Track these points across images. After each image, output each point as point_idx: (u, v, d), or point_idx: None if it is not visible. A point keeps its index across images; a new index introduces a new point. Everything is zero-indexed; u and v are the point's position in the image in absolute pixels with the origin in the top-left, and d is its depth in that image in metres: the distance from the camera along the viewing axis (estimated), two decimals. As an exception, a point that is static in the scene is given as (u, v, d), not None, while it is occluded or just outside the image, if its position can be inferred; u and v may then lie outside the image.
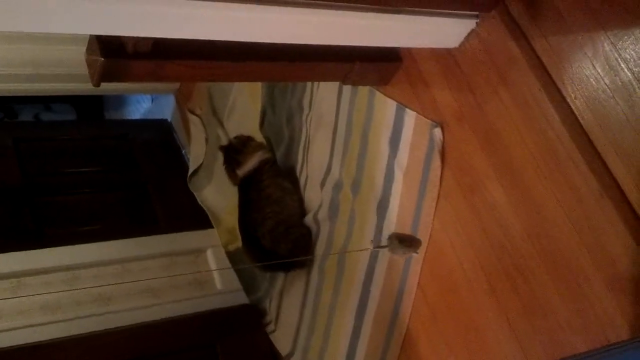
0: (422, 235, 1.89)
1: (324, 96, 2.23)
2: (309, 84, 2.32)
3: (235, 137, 2.60)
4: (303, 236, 2.35)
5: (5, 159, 2.91)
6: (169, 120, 3.50)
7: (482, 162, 1.71)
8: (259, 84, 2.63)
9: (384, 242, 1.99)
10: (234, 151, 2.50)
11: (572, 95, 1.49)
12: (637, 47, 1.37)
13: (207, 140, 3.03)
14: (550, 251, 1.56)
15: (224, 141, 2.76)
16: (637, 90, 1.37)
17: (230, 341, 2.56)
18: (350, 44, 1.65)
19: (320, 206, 2.30)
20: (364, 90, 2.04)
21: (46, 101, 4.26)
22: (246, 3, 1.28)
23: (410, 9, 1.53)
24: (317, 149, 2.31)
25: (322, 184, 2.28)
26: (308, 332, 2.37)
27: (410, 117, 1.89)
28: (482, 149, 1.71)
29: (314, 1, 1.36)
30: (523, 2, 1.57)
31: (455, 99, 1.77)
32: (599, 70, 1.44)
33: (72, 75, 2.87)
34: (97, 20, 1.18)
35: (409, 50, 1.92)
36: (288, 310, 2.49)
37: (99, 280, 2.50)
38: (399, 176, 1.94)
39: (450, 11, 1.62)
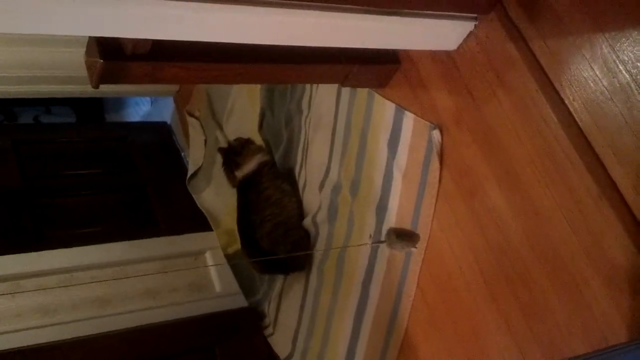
0: (421, 237, 1.88)
1: (323, 98, 2.23)
2: (307, 86, 2.32)
3: (235, 140, 2.60)
4: (302, 238, 2.35)
5: (4, 161, 2.92)
6: (168, 122, 3.51)
7: (481, 164, 1.71)
8: (257, 86, 2.63)
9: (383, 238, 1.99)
10: (233, 153, 2.50)
11: (570, 97, 1.49)
12: (635, 49, 1.37)
13: (206, 142, 3.03)
14: (549, 253, 1.55)
15: (223, 143, 2.77)
16: (635, 92, 1.37)
17: (229, 344, 2.56)
18: (349, 46, 1.65)
19: (319, 208, 2.29)
20: (362, 92, 2.04)
21: (46, 104, 4.26)
22: (245, 5, 1.29)
23: (408, 11, 1.53)
24: (316, 151, 2.31)
25: (321, 186, 2.28)
26: (307, 335, 2.36)
27: (409, 119, 1.89)
28: (480, 151, 1.71)
29: (312, 3, 1.36)
30: (521, 4, 1.57)
31: (454, 101, 1.77)
32: (597, 72, 1.44)
33: (71, 77, 2.88)
34: (96, 22, 1.18)
35: (407, 52, 1.92)
36: (287, 313, 2.49)
37: (98, 282, 2.50)
38: (397, 178, 1.94)
39: (449, 13, 1.62)
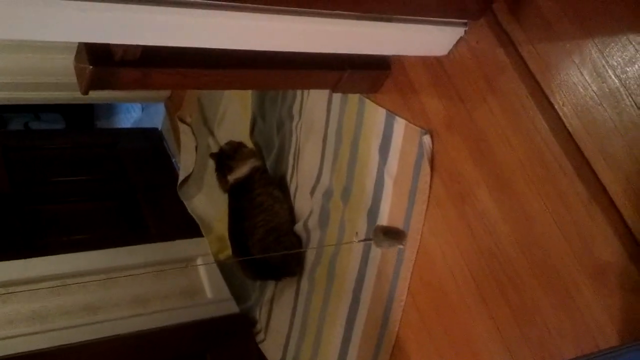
0: (412, 242, 1.89)
1: (314, 104, 2.23)
2: (299, 92, 2.32)
3: (227, 143, 2.60)
4: (293, 245, 2.34)
5: (-6, 167, 2.90)
6: (159, 128, 3.50)
7: (471, 169, 1.71)
8: (249, 92, 2.63)
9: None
10: (226, 157, 2.50)
11: (560, 102, 1.50)
12: (624, 54, 1.38)
13: (197, 148, 3.03)
14: (540, 258, 1.56)
15: (215, 149, 2.76)
16: (625, 97, 1.38)
17: (221, 350, 2.55)
18: (340, 52, 1.66)
19: (310, 214, 2.29)
20: (354, 98, 2.04)
21: (36, 110, 4.25)
22: (235, 11, 1.29)
23: (399, 17, 1.53)
24: (307, 157, 2.31)
25: (312, 192, 2.28)
26: (298, 341, 2.36)
27: (400, 125, 1.89)
28: (471, 156, 1.71)
29: (303, 9, 1.36)
30: (511, 10, 1.58)
31: (445, 106, 1.78)
32: (587, 77, 1.45)
33: (61, 83, 2.87)
34: (85, 28, 1.18)
35: (398, 58, 1.92)
36: (278, 319, 2.48)
37: (89, 289, 2.49)
38: (388, 183, 1.94)
39: (439, 19, 1.62)
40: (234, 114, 2.78)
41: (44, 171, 3.03)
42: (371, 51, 1.74)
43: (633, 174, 1.38)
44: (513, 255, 1.62)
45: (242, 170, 2.45)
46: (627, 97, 1.38)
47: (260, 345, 2.57)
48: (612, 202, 1.42)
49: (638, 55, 1.36)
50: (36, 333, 2.34)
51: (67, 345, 2.33)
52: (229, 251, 2.58)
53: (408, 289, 1.91)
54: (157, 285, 2.66)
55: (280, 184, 2.46)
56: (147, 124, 3.65)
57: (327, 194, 2.20)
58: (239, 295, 2.71)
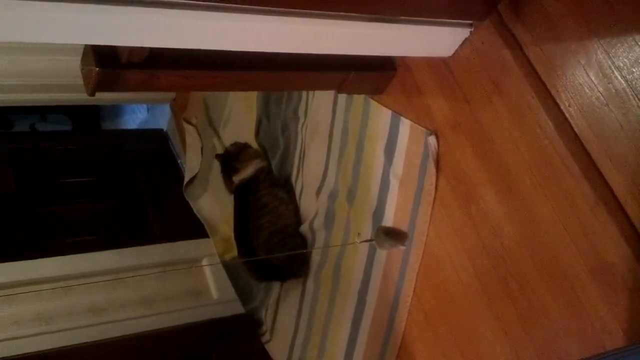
0: (418, 243, 1.88)
1: (319, 105, 2.23)
2: (304, 93, 2.32)
3: (232, 144, 2.60)
4: (298, 246, 2.34)
5: (0, 169, 2.91)
6: (165, 130, 3.50)
7: (477, 170, 1.71)
8: (254, 94, 2.63)
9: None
10: (231, 158, 2.50)
11: (566, 103, 1.50)
12: (631, 54, 1.37)
13: (202, 149, 3.03)
14: (546, 259, 1.56)
15: (220, 150, 2.76)
16: (631, 97, 1.38)
17: (226, 351, 2.55)
18: (345, 53, 1.66)
19: (315, 215, 2.29)
20: (359, 99, 2.04)
21: (42, 111, 4.25)
22: (240, 13, 1.29)
23: (404, 18, 1.53)
24: (313, 158, 2.31)
25: (318, 193, 2.28)
26: (304, 342, 2.36)
27: (405, 126, 1.89)
28: (476, 157, 1.71)
29: (309, 11, 1.36)
30: (516, 10, 1.58)
31: (450, 107, 1.78)
32: (593, 78, 1.44)
33: (67, 85, 2.87)
34: (92, 30, 1.18)
35: (403, 59, 1.92)
36: (284, 320, 2.49)
37: (94, 289, 2.49)
38: (394, 184, 1.94)
39: (444, 20, 1.62)
40: (239, 115, 2.78)
41: (49, 172, 3.04)
42: (376, 52, 1.74)
43: (639, 174, 1.37)
44: (519, 255, 1.62)
45: (247, 171, 2.46)
46: (634, 98, 1.37)
47: (266, 346, 2.57)
48: (618, 203, 1.41)
49: (644, 56, 1.36)
50: (42, 334, 2.35)
51: (73, 346, 2.33)
52: (234, 252, 2.58)
53: (414, 289, 1.91)
54: (162, 286, 2.66)
55: (285, 185, 2.47)
56: (152, 125, 3.65)
57: (333, 195, 2.21)
58: (244, 295, 2.71)
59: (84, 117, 4.33)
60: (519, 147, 1.60)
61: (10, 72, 2.76)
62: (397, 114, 1.92)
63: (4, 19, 1.05)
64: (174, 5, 1.20)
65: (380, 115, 1.97)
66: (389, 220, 1.97)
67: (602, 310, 1.44)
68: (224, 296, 2.73)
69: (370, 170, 2.03)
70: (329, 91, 2.12)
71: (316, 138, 2.27)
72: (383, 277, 2.00)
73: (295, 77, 1.82)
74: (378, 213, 2.01)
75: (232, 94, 2.82)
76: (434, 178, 1.82)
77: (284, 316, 2.48)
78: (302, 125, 2.34)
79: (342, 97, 2.10)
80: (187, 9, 1.22)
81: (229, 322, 2.65)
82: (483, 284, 1.71)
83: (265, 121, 2.60)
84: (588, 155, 1.46)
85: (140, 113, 3.96)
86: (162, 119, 3.55)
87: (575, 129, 1.49)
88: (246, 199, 2.42)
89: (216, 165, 2.67)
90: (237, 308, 2.71)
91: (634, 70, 1.37)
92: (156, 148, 3.40)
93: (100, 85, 1.49)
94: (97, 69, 1.44)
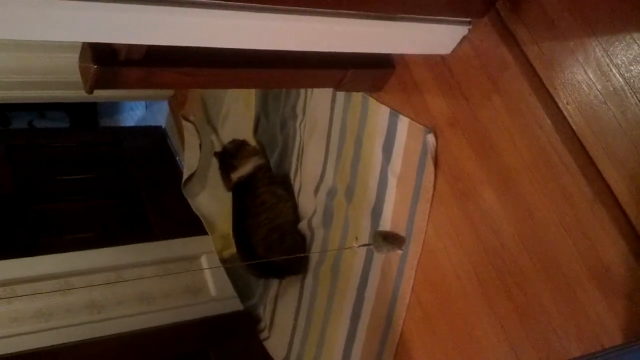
0: (416, 240, 1.89)
1: (318, 102, 2.23)
2: (302, 90, 2.32)
3: (230, 142, 2.60)
4: (297, 243, 2.34)
5: (-2, 166, 2.91)
6: (163, 127, 3.50)
7: (475, 167, 1.71)
8: (252, 91, 2.63)
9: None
10: (229, 155, 2.50)
11: (564, 101, 1.50)
12: (629, 52, 1.38)
13: (201, 146, 3.03)
14: (544, 256, 1.56)
15: (218, 148, 2.76)
16: (629, 95, 1.38)
17: (225, 348, 2.55)
18: (344, 51, 1.66)
19: (314, 212, 2.29)
20: (357, 97, 2.04)
21: (40, 108, 4.25)
22: (239, 11, 1.29)
23: (403, 15, 1.53)
24: (311, 155, 2.31)
25: (316, 190, 2.28)
26: (302, 339, 2.36)
27: (404, 123, 1.89)
28: (475, 154, 1.71)
29: (307, 8, 1.36)
30: (514, 8, 1.58)
31: (448, 105, 1.78)
32: (591, 76, 1.45)
33: (65, 82, 2.87)
34: (90, 27, 1.18)
35: (402, 56, 1.92)
36: (282, 317, 2.49)
37: (93, 287, 2.49)
38: (392, 182, 1.94)
39: (443, 18, 1.62)
40: (237, 112, 2.78)
41: (47, 170, 3.04)
42: (375, 50, 1.74)
43: (637, 172, 1.38)
44: (517, 254, 1.62)
45: (245, 169, 2.46)
46: (632, 96, 1.38)
47: (264, 343, 2.57)
48: (616, 201, 1.42)
49: (642, 54, 1.36)
50: (41, 331, 2.35)
51: (72, 343, 2.33)
52: (233, 249, 2.59)
53: (412, 286, 1.92)
54: (161, 283, 2.66)
55: (283, 183, 2.47)
56: (150, 122, 3.65)
57: (331, 193, 2.21)
58: (243, 292, 2.72)
59: (82, 114, 4.33)
60: (517, 144, 1.60)
61: (8, 69, 2.76)
62: (395, 112, 1.92)
63: (2, 15, 1.05)
64: (172, 2, 1.20)
65: (379, 113, 1.97)
66: (387, 218, 1.97)
67: (600, 308, 1.45)
68: (222, 293, 2.73)
69: (368, 167, 2.03)
70: (327, 89, 2.12)
71: (314, 135, 2.27)
72: (382, 274, 2.01)
73: (293, 74, 1.82)
74: (376, 210, 2.01)
75: (230, 91, 2.82)
76: (432, 175, 1.82)
77: (283, 313, 2.48)
78: (301, 123, 2.34)
79: (341, 95, 2.10)
80: (186, 7, 1.22)
81: (227, 319, 2.65)
82: (481, 281, 1.72)
83: (264, 118, 2.60)
84: (586, 152, 1.47)
85: (138, 110, 3.96)
86: (160, 116, 3.55)
87: (573, 127, 1.49)
88: (244, 197, 2.42)
89: (214, 162, 2.67)
90: (236, 305, 2.71)
91: (632, 68, 1.37)
92: (154, 145, 3.40)
93: (98, 82, 1.48)
94: (95, 66, 1.44)
